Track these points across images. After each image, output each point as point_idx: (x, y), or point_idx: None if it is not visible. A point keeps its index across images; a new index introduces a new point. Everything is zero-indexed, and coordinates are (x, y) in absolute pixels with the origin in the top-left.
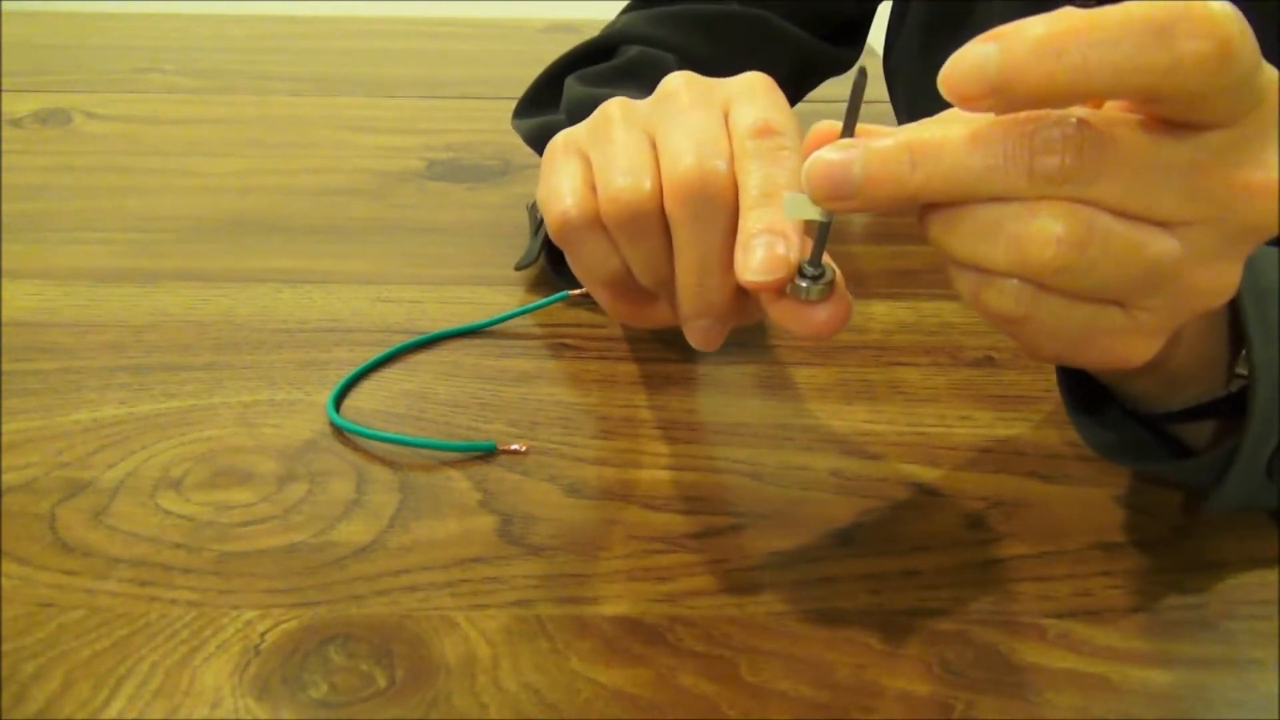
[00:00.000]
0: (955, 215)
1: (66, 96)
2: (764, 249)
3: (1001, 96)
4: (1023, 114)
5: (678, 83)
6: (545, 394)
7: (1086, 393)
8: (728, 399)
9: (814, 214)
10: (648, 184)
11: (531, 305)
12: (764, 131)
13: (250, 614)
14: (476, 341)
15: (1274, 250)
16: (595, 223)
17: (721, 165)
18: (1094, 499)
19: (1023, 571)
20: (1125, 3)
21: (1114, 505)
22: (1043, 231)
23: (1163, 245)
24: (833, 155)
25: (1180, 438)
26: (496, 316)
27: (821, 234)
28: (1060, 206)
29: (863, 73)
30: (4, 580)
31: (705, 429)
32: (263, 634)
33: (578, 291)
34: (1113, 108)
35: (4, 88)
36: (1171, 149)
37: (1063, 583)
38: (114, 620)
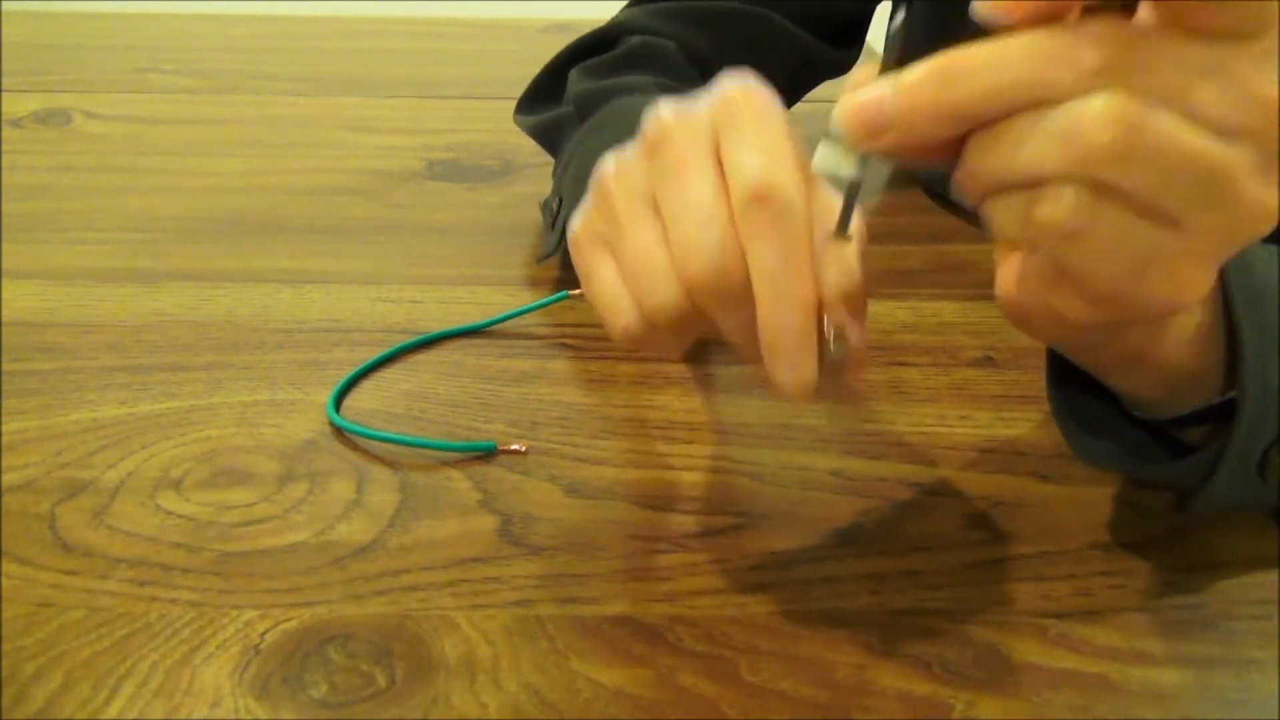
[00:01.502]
0: (999, 128)
1: (66, 96)
2: (790, 373)
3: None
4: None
5: (666, 125)
6: (545, 394)
7: (1081, 404)
8: (728, 399)
9: (846, 168)
10: (671, 293)
11: (531, 305)
12: (761, 199)
13: (250, 614)
14: (476, 341)
15: (1270, 249)
16: (652, 329)
17: (730, 256)
18: (1094, 499)
19: (1023, 571)
20: None
21: (1114, 505)
22: (1098, 115)
23: (1219, 148)
24: (863, 93)
25: (1186, 441)
26: (496, 316)
27: (850, 195)
28: (1112, 93)
29: (900, 20)
30: (4, 580)
31: (705, 429)
32: (263, 634)
33: (578, 292)
34: (1146, 17)
35: (4, 88)
36: (1205, 49)
37: (1063, 583)
38: (114, 620)
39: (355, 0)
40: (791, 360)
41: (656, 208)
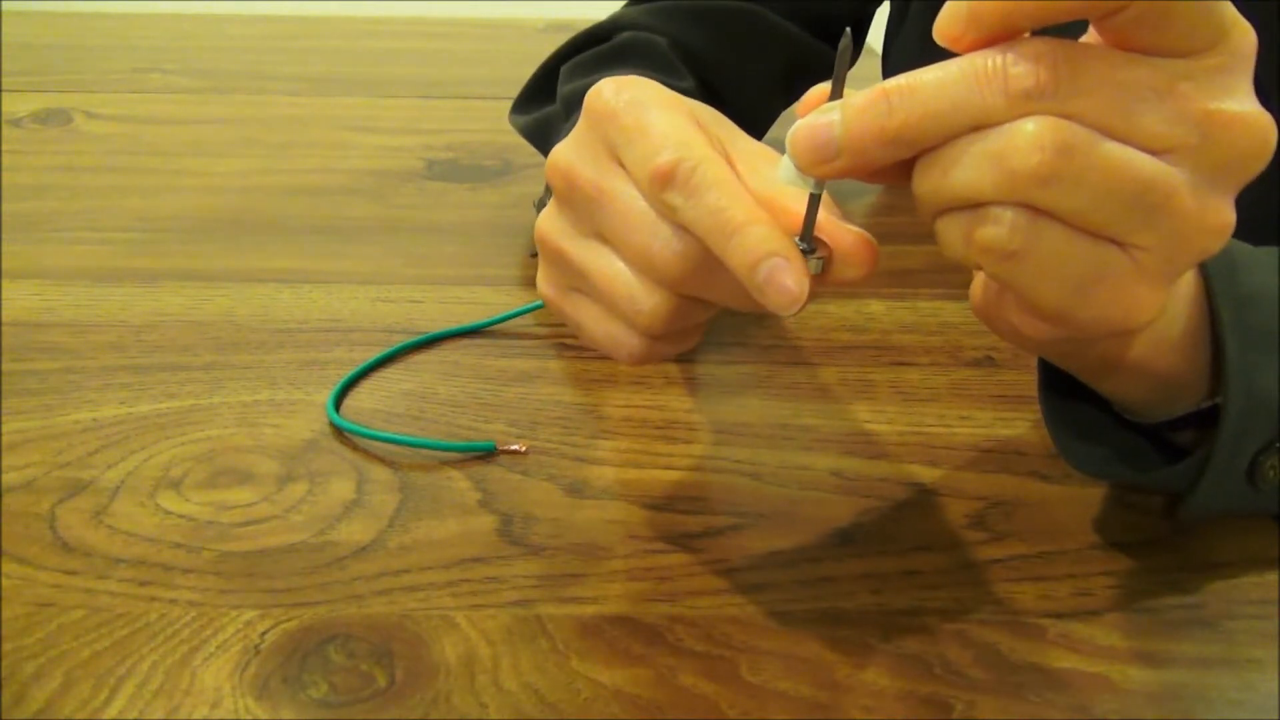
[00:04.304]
0: (939, 153)
1: (66, 96)
2: (771, 290)
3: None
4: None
5: (566, 170)
6: (545, 394)
7: (1073, 410)
8: (728, 399)
9: (805, 183)
10: (655, 298)
11: (531, 305)
12: (664, 179)
13: (250, 614)
14: (476, 341)
15: (1257, 253)
16: (655, 340)
17: (685, 237)
18: (1094, 499)
19: (1023, 571)
20: None
21: (1114, 505)
22: (1026, 139)
23: (1152, 166)
24: (813, 119)
25: (1180, 444)
26: (496, 316)
27: (812, 207)
28: (1042, 117)
29: (847, 37)
30: (4, 580)
31: (705, 429)
32: (263, 634)
33: None
34: (1087, 39)
35: (4, 88)
36: (1144, 69)
37: (1063, 583)
38: (114, 620)
39: (355, 0)
40: (773, 287)
41: (600, 238)
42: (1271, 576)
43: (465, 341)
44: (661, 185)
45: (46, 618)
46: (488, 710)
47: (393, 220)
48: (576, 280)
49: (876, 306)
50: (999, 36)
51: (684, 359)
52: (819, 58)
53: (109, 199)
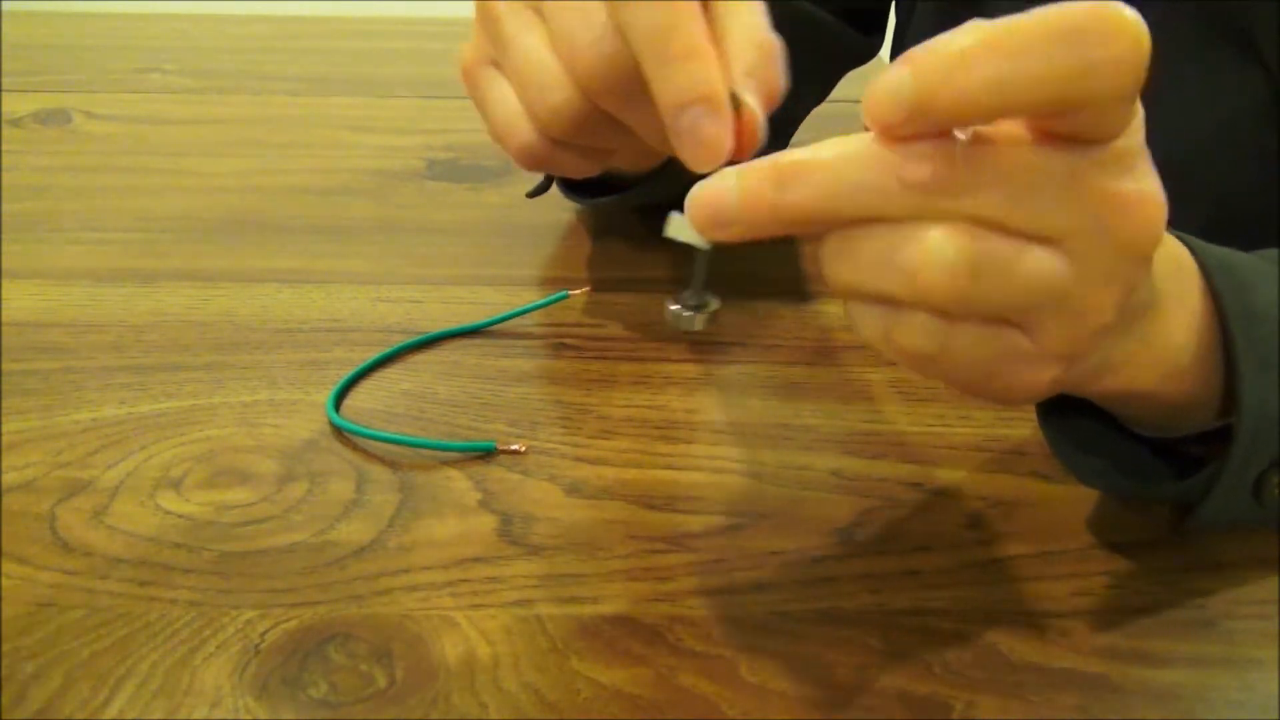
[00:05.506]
0: (844, 243)
1: (66, 96)
2: (692, 142)
3: (920, 119)
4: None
5: None
6: (545, 394)
7: (1074, 424)
8: (728, 399)
9: (696, 239)
10: (564, 94)
11: (531, 305)
12: None
13: (250, 614)
14: (476, 341)
15: (1267, 268)
16: (553, 143)
17: (617, 40)
18: (1094, 499)
19: (1023, 571)
20: (1035, 10)
21: (1114, 505)
22: (935, 259)
23: (1050, 263)
24: (712, 183)
25: (1185, 452)
26: (496, 316)
27: (701, 263)
28: (947, 230)
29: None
30: (4, 580)
31: (705, 429)
32: (263, 634)
33: (578, 291)
34: (999, 122)
35: (4, 88)
36: (1050, 158)
37: (1063, 583)
38: (114, 620)
39: (355, 0)
40: (694, 137)
41: (539, 14)
42: (1271, 576)
43: (465, 341)
44: None
45: (46, 618)
46: (488, 710)
47: (393, 220)
48: (499, 51)
49: None
50: (946, 128)
51: (684, 359)
52: (848, 44)
53: (109, 199)
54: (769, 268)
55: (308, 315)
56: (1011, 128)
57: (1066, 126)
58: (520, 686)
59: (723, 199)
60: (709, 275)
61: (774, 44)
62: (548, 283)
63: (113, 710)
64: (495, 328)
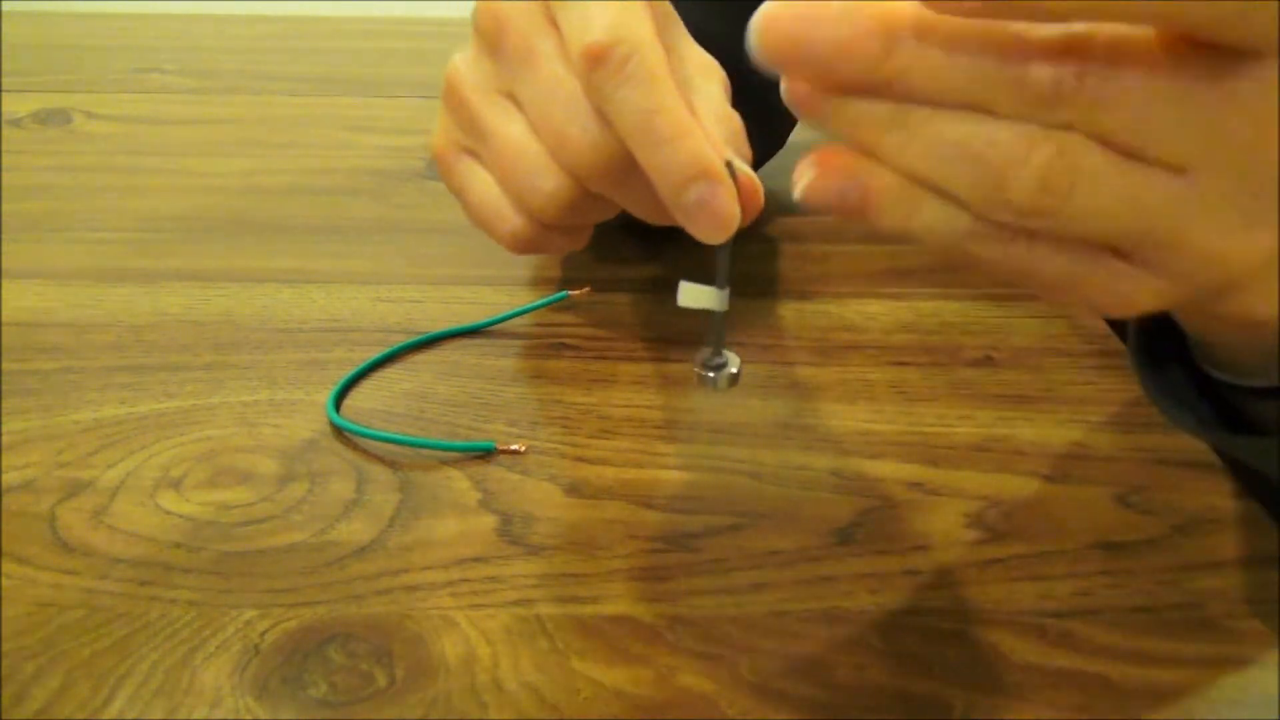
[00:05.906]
0: (926, 119)
1: (66, 96)
2: (703, 216)
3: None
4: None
5: (498, 13)
6: (545, 394)
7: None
8: (728, 399)
9: (710, 303)
10: (554, 182)
11: (531, 305)
12: (598, 58)
13: (250, 614)
14: (476, 341)
15: None
16: (543, 227)
17: (605, 127)
18: (1094, 499)
19: (1023, 571)
20: None
21: (1114, 505)
22: (1024, 170)
23: (1166, 191)
24: (804, 10)
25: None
26: (496, 316)
27: (718, 324)
28: (1051, 143)
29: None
30: (4, 580)
31: (705, 429)
32: (263, 634)
33: (578, 291)
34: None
35: (4, 88)
36: (1196, 77)
37: (1063, 583)
38: (114, 620)
39: (355, 0)
40: (705, 212)
41: (515, 101)
42: (1272, 576)
43: (465, 341)
44: (591, 65)
45: (46, 618)
46: (488, 710)
47: (393, 220)
48: (476, 141)
49: (876, 306)
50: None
51: (684, 359)
52: None
53: (109, 199)
54: (769, 268)
55: (308, 315)
56: (1147, 33)
57: (1211, 30)
58: (520, 686)
59: (816, 31)
60: (724, 334)
61: (737, 118)
62: (548, 283)
63: (113, 710)
64: (495, 328)
